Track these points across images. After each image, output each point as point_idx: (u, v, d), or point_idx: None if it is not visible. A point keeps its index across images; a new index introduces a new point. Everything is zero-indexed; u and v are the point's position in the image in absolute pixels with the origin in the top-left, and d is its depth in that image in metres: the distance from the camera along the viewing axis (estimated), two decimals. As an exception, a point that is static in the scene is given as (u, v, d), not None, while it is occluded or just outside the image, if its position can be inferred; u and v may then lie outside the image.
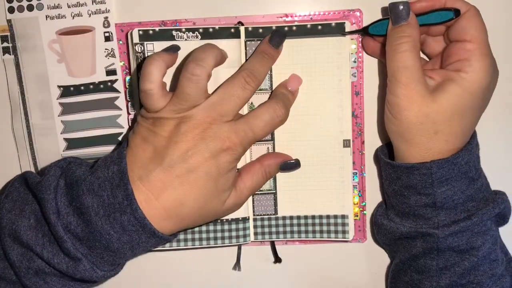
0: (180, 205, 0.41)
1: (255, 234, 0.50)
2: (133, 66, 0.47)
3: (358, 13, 0.48)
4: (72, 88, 0.48)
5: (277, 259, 0.52)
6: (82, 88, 0.48)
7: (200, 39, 0.47)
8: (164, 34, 0.46)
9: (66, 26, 0.48)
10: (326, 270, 0.52)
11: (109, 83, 0.48)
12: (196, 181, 0.41)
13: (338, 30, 0.47)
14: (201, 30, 0.47)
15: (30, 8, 0.47)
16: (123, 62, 0.49)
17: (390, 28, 0.44)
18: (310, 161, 0.49)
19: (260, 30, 0.47)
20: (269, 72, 0.48)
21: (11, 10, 0.48)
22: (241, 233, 0.49)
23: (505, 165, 0.51)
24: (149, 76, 0.41)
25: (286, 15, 0.49)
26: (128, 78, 0.48)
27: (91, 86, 0.48)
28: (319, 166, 0.49)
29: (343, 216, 0.49)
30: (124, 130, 0.49)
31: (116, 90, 0.48)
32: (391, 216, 0.47)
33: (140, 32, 0.46)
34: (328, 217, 0.49)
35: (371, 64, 0.49)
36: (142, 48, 0.46)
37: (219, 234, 0.49)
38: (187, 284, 0.52)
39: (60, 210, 0.40)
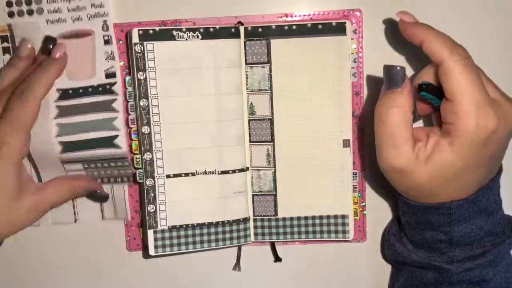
0: None
1: (255, 234, 0.50)
2: (132, 66, 0.47)
3: (358, 13, 0.48)
4: (70, 91, 0.48)
5: (277, 259, 0.52)
6: (80, 91, 0.48)
7: (201, 39, 0.47)
8: (164, 34, 0.46)
9: (66, 30, 0.48)
10: (326, 270, 0.52)
11: (107, 86, 0.47)
12: None
13: (338, 29, 0.47)
14: (201, 30, 0.47)
15: (30, 12, 0.47)
16: (123, 62, 0.48)
17: (382, 91, 0.42)
18: (310, 161, 0.49)
19: (260, 30, 0.47)
20: (268, 73, 0.48)
21: (11, 14, 0.48)
22: (241, 233, 0.49)
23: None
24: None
25: (286, 15, 0.49)
26: (127, 78, 0.48)
27: (90, 89, 0.48)
28: (319, 166, 0.49)
29: (343, 216, 0.49)
30: (120, 133, 0.48)
31: (114, 93, 0.47)
32: (404, 240, 0.46)
33: (140, 32, 0.46)
34: (328, 217, 0.49)
35: (371, 64, 0.49)
36: (142, 48, 0.46)
37: (220, 236, 0.49)
38: (187, 284, 0.52)
39: None
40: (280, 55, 0.48)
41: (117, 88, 0.48)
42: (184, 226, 0.48)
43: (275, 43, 0.48)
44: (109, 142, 0.48)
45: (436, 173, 0.39)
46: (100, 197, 0.49)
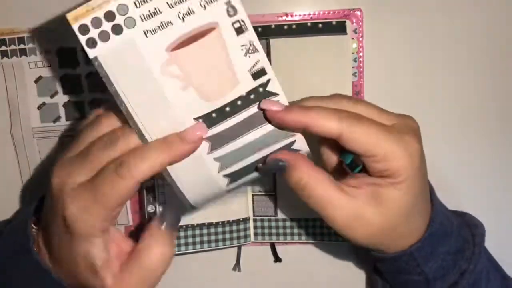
0: None
1: (255, 235, 0.50)
2: None
3: (358, 12, 0.48)
4: (214, 115, 0.36)
5: (277, 259, 0.52)
6: (227, 109, 0.36)
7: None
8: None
9: (176, 37, 0.34)
10: (326, 270, 0.52)
11: (260, 89, 0.35)
12: None
13: (338, 29, 0.47)
14: (201, 30, 0.46)
15: (118, 31, 0.33)
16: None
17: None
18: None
19: (260, 30, 0.47)
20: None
21: (92, 43, 0.34)
22: (241, 233, 0.49)
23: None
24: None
25: (286, 14, 0.48)
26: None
27: (239, 102, 0.35)
28: (319, 166, 0.49)
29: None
30: (296, 137, 0.38)
31: (273, 93, 0.36)
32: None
33: None
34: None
35: (371, 64, 0.49)
36: None
37: (220, 236, 0.49)
38: (187, 284, 0.52)
39: None
40: (280, 55, 0.48)
41: (273, 86, 0.36)
42: (184, 226, 0.48)
43: (275, 42, 0.47)
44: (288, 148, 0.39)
45: (390, 217, 0.37)
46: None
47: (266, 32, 0.47)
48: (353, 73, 0.48)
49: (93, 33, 0.33)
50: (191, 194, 0.37)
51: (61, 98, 0.50)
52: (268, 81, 0.35)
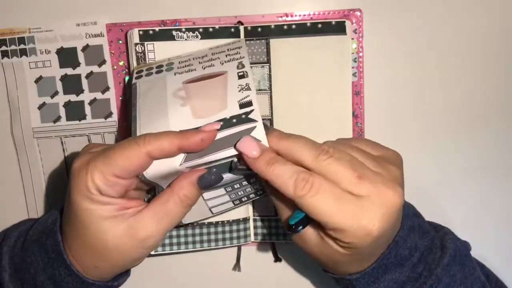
0: None
1: (255, 234, 0.50)
2: (133, 66, 0.47)
3: (358, 13, 0.48)
4: None
5: (277, 259, 0.52)
6: None
7: (200, 38, 0.46)
8: (164, 34, 0.46)
9: (194, 76, 0.43)
10: (326, 270, 0.52)
11: (243, 116, 0.39)
12: None
13: (338, 29, 0.47)
14: (201, 30, 0.46)
15: (159, 72, 0.45)
16: (122, 62, 0.48)
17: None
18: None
19: (259, 30, 0.47)
20: (268, 72, 0.48)
21: (138, 77, 0.45)
22: (241, 233, 0.49)
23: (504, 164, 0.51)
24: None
25: (286, 15, 0.48)
26: (127, 78, 0.48)
27: (222, 123, 0.39)
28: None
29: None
30: (257, 124, 0.40)
31: (252, 120, 0.39)
32: None
33: (140, 32, 0.46)
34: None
35: (371, 64, 0.49)
36: (143, 48, 0.46)
37: (220, 236, 0.49)
38: (187, 284, 0.52)
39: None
40: (279, 55, 0.48)
41: (255, 115, 0.39)
42: (184, 225, 0.48)
43: (275, 42, 0.47)
44: None
45: (329, 258, 0.38)
46: (211, 180, 0.39)
47: (266, 32, 0.47)
48: (353, 73, 0.48)
49: (143, 73, 0.45)
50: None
51: (61, 98, 0.50)
52: (252, 110, 0.40)
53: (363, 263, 0.39)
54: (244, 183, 0.42)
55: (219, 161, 0.38)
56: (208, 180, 0.39)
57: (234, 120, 0.39)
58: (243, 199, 0.43)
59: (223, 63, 0.43)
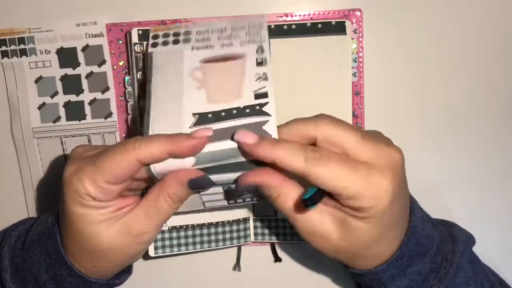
0: None
1: (255, 234, 0.50)
2: (132, 66, 0.47)
3: (358, 13, 0.48)
4: (210, 115, 0.40)
5: (277, 259, 0.52)
6: (222, 114, 0.40)
7: (200, 39, 0.46)
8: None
9: (212, 55, 0.43)
10: (326, 270, 0.52)
11: (257, 107, 0.39)
12: None
13: (338, 29, 0.47)
14: (201, 30, 0.46)
15: (176, 42, 0.44)
16: (122, 62, 0.48)
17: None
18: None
19: (260, 30, 0.47)
20: (267, 72, 0.48)
21: (154, 45, 0.44)
22: (241, 233, 0.49)
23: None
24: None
25: (286, 15, 0.48)
26: (127, 78, 0.48)
27: (234, 111, 0.40)
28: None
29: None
30: (269, 119, 0.41)
31: (266, 113, 0.39)
32: None
33: (140, 32, 0.46)
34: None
35: (371, 64, 0.49)
36: (142, 48, 0.46)
37: (220, 236, 0.49)
38: (187, 284, 0.52)
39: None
40: (279, 55, 0.47)
41: (269, 109, 0.39)
42: (184, 226, 0.48)
43: (275, 42, 0.47)
44: None
45: (354, 243, 0.38)
46: (203, 183, 0.39)
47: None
48: (353, 73, 0.48)
49: (159, 40, 0.44)
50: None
51: (61, 98, 0.50)
52: (266, 103, 0.40)
53: (389, 238, 0.38)
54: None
55: (225, 151, 0.38)
56: (200, 185, 0.38)
57: (248, 111, 0.39)
58: (238, 201, 0.43)
59: (242, 44, 0.43)
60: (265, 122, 0.39)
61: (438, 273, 0.40)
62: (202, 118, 0.40)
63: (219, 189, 0.41)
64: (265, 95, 0.40)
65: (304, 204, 0.36)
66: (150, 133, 0.39)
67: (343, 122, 0.37)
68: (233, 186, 0.40)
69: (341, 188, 0.35)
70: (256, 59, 0.42)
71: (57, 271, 0.40)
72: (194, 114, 0.40)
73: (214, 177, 0.38)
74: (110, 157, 0.36)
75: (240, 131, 0.38)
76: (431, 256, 0.40)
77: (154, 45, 0.44)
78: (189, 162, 0.38)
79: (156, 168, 0.38)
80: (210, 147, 0.38)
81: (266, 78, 0.41)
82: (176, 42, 0.44)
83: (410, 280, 0.40)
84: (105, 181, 0.37)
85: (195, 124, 0.39)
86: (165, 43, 0.44)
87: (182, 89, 0.41)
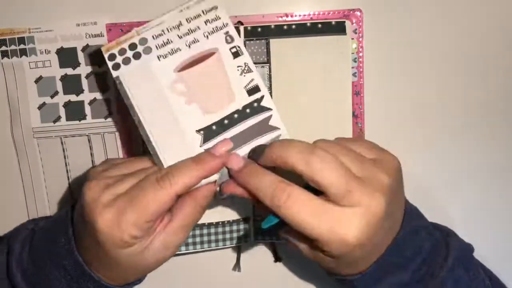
0: None
1: (255, 234, 0.50)
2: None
3: (358, 13, 0.48)
4: (214, 127, 0.40)
5: (277, 259, 0.52)
6: (226, 122, 0.40)
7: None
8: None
9: (183, 59, 0.41)
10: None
11: (255, 104, 0.39)
12: None
13: (338, 29, 0.47)
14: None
15: (137, 56, 0.41)
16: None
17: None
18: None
19: (260, 30, 0.47)
20: (268, 72, 0.48)
21: (116, 67, 0.41)
22: (241, 233, 0.49)
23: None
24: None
25: (286, 15, 0.48)
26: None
27: (236, 115, 0.40)
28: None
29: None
30: (272, 113, 0.42)
31: (267, 109, 0.40)
32: None
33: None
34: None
35: (371, 64, 0.49)
36: None
37: (220, 236, 0.49)
38: (187, 284, 0.52)
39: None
40: (279, 55, 0.48)
41: (267, 102, 0.40)
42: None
43: (275, 43, 0.47)
44: None
45: (321, 263, 0.39)
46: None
47: (266, 32, 0.47)
48: (353, 73, 0.48)
49: (119, 59, 0.41)
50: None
51: (61, 98, 0.50)
52: (262, 97, 0.40)
53: (357, 267, 0.39)
54: None
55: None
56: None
57: (248, 111, 0.39)
58: None
59: (207, 36, 0.40)
60: (269, 118, 0.39)
61: (418, 285, 0.40)
62: (208, 133, 0.40)
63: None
64: (256, 88, 0.40)
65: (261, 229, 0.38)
66: (165, 166, 0.40)
67: (335, 165, 0.36)
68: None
69: (305, 229, 0.35)
70: (230, 50, 0.40)
71: (82, 286, 0.41)
72: (198, 131, 0.40)
73: None
74: (151, 199, 0.37)
75: (231, 156, 0.39)
76: (413, 267, 0.40)
77: (116, 67, 0.41)
78: (213, 178, 0.39)
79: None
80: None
81: (249, 70, 0.40)
82: (137, 56, 0.41)
83: None
84: (146, 221, 0.37)
85: (204, 141, 0.40)
86: (126, 61, 0.41)
87: (171, 108, 0.40)
